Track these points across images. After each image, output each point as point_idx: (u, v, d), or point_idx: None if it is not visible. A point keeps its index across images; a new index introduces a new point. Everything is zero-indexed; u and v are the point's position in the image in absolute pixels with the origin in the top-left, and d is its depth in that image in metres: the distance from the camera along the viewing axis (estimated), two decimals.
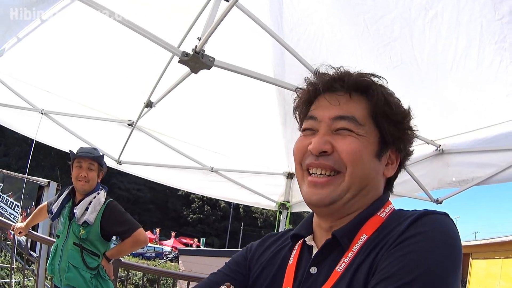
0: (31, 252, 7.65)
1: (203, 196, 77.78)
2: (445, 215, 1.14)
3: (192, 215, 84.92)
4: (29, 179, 8.90)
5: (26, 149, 54.88)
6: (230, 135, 5.60)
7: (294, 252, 1.36)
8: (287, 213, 6.15)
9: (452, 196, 4.41)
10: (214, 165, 6.08)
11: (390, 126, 1.29)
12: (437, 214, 1.13)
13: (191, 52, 2.65)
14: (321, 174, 1.26)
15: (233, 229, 79.10)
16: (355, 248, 1.19)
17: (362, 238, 1.20)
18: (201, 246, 54.17)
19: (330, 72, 1.35)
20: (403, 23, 3.27)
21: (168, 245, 53.19)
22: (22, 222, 5.23)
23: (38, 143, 5.35)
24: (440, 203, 4.51)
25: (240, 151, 5.94)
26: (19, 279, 8.62)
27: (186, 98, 4.71)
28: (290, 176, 6.02)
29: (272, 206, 6.43)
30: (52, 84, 5.10)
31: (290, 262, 1.33)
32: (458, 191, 4.22)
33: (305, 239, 1.36)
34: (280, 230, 5.97)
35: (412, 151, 1.41)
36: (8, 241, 9.18)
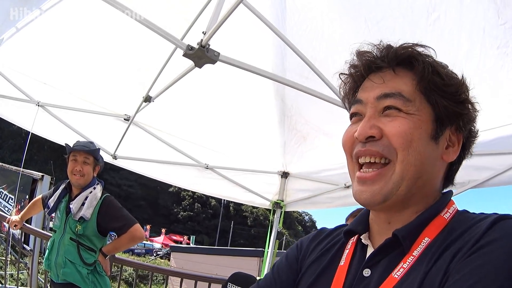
0: (25, 246, 7.63)
1: (193, 194, 78.02)
2: None
3: (182, 213, 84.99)
4: (23, 172, 8.87)
5: (20, 142, 54.76)
6: (227, 132, 5.59)
7: (346, 251, 1.23)
8: (281, 212, 6.15)
9: None
10: (210, 162, 6.07)
11: (443, 99, 1.13)
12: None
13: (196, 46, 2.62)
14: (369, 169, 1.13)
15: (223, 227, 79.22)
16: (416, 252, 1.05)
17: (424, 241, 1.06)
18: (191, 244, 54.31)
19: (372, 49, 1.22)
20: (405, 24, 3.27)
21: (158, 242, 53.37)
22: (16, 215, 5.20)
23: (31, 136, 5.31)
24: None
25: (236, 149, 5.93)
26: (13, 272, 8.61)
27: (183, 94, 4.69)
28: (284, 175, 6.01)
29: (266, 204, 6.42)
30: (50, 76, 5.06)
31: (341, 263, 1.20)
32: (454, 193, 4.22)
33: (361, 236, 1.23)
34: (274, 229, 6.03)
35: (477, 131, 1.24)
36: (2, 233, 9.15)
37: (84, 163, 4.16)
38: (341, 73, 1.28)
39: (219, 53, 2.68)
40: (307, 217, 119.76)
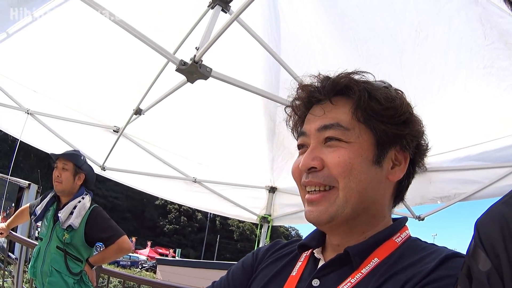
0: (10, 254, 7.54)
1: (180, 207, 77.63)
2: None
3: (168, 226, 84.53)
4: (10, 179, 8.76)
5: (5, 149, 53.99)
6: (215, 147, 5.60)
7: (299, 263, 1.28)
8: (268, 226, 6.17)
9: (434, 213, 4.48)
10: (198, 176, 6.07)
11: (382, 124, 1.16)
12: (462, 258, 0.98)
13: (189, 61, 2.62)
14: (314, 190, 1.17)
15: (209, 241, 78.84)
16: (365, 270, 1.11)
17: (373, 261, 1.12)
18: (176, 257, 53.90)
19: (312, 80, 1.25)
20: (393, 44, 3.32)
21: (143, 254, 53.00)
22: (2, 222, 5.16)
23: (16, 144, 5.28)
24: (422, 219, 4.55)
25: (224, 163, 5.95)
26: None
27: (173, 108, 4.70)
28: (272, 190, 6.04)
29: (253, 219, 6.44)
30: (40, 84, 5.04)
31: (293, 274, 1.25)
32: (441, 207, 4.29)
33: (314, 251, 1.28)
34: (261, 243, 6.03)
35: (427, 145, 1.27)
36: None
37: (63, 169, 4.14)
38: (286, 106, 1.34)
39: (211, 69, 2.69)
40: (294, 232, 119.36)
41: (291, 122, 1.33)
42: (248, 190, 6.23)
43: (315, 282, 1.16)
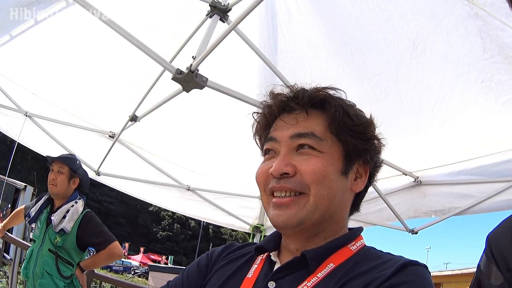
0: (5, 254, 7.52)
1: (173, 214, 77.25)
2: (426, 267, 1.12)
3: (161, 232, 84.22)
4: (7, 181, 8.75)
5: (3, 150, 53.68)
6: (210, 155, 5.61)
7: (255, 266, 1.31)
8: (261, 236, 6.15)
9: (428, 227, 4.46)
10: (191, 184, 6.06)
11: (352, 138, 1.24)
12: (420, 266, 1.12)
13: (185, 70, 2.62)
14: (284, 195, 1.19)
15: (202, 249, 78.44)
16: (320, 274, 1.15)
17: (329, 266, 1.16)
18: (169, 264, 53.72)
19: (286, 91, 1.30)
20: (390, 57, 3.33)
21: (136, 260, 52.75)
22: None
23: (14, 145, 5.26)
24: (416, 233, 4.51)
25: (218, 172, 5.97)
26: None
27: (169, 116, 4.72)
28: None
29: (246, 228, 6.43)
30: (39, 87, 5.05)
31: (249, 276, 1.28)
32: (434, 221, 4.26)
33: (270, 254, 1.32)
34: None
35: (382, 162, 1.36)
36: None
37: (58, 172, 4.15)
38: (254, 112, 1.39)
39: (207, 79, 2.69)
40: None
41: (258, 126, 1.38)
42: (241, 200, 6.23)
43: (271, 284, 1.19)
